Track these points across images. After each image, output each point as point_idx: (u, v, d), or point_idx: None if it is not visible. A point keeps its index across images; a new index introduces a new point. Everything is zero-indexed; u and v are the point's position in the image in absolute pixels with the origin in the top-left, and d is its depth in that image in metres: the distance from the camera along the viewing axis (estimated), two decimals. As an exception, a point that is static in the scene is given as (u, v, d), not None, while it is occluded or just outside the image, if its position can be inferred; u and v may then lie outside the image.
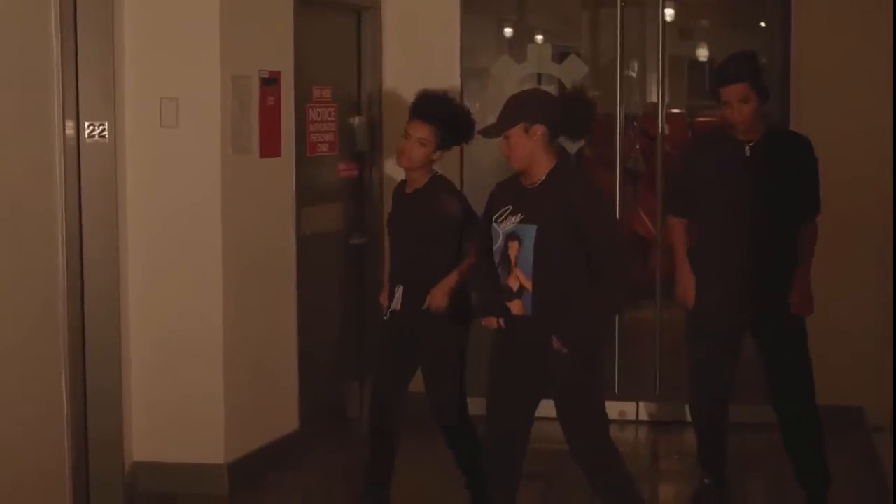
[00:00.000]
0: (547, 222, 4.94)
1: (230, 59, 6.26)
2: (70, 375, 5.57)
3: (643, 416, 7.63)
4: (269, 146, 6.61)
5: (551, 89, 7.88)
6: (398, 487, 5.98)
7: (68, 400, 5.54)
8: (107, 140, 6.00)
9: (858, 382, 7.23)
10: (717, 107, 5.77)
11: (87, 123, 5.96)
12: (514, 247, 5.00)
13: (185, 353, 6.29)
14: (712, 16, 10.77)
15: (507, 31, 9.02)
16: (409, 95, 5.85)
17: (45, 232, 5.44)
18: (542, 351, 4.98)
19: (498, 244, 5.06)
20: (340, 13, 7.57)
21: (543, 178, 5.01)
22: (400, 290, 5.71)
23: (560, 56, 7.99)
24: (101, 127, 5.99)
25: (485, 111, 8.04)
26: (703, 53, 11.40)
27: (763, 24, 9.06)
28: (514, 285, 5.01)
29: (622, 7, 7.63)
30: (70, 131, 5.83)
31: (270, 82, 6.60)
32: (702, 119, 10.35)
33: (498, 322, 5.11)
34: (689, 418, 6.13)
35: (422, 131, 5.64)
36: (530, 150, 4.98)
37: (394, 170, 5.87)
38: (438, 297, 5.57)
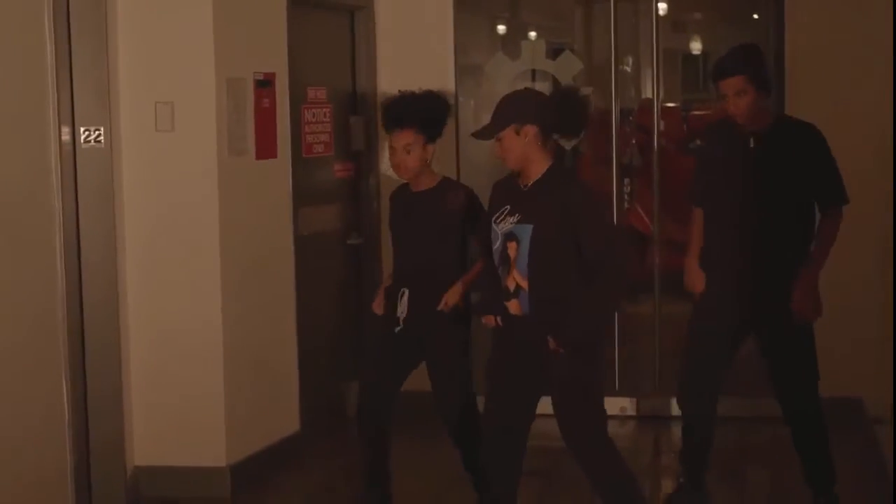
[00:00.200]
0: (542, 222, 4.95)
1: (224, 62, 6.26)
2: (70, 380, 5.57)
3: (643, 411, 7.64)
4: (265, 148, 6.61)
5: (546, 86, 7.89)
6: (402, 487, 5.99)
7: (69, 405, 5.54)
8: (102, 145, 6.01)
9: (858, 374, 7.23)
10: (714, 100, 5.76)
11: (82, 129, 5.97)
12: (512, 247, 5.01)
13: (184, 356, 6.29)
14: (705, 9, 10.77)
15: (501, 29, 9.02)
16: (404, 94, 5.85)
17: (43, 237, 5.43)
18: (539, 349, 4.99)
19: (497, 245, 5.06)
20: (334, 13, 7.57)
21: (539, 178, 5.01)
22: (405, 294, 5.71)
23: (554, 52, 7.99)
24: (97, 132, 5.99)
25: (479, 109, 8.06)
26: (696, 47, 11.40)
27: (756, 17, 9.06)
28: (512, 285, 5.02)
29: (615, 2, 7.62)
30: (66, 137, 5.83)
31: (265, 84, 6.60)
32: (696, 112, 10.35)
33: (496, 321, 5.12)
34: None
35: (404, 139, 5.63)
36: (523, 151, 4.99)
37: (390, 169, 5.87)
38: (454, 299, 5.56)
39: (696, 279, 5.79)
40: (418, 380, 5.77)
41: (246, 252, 6.47)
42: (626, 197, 8.95)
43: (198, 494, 6.30)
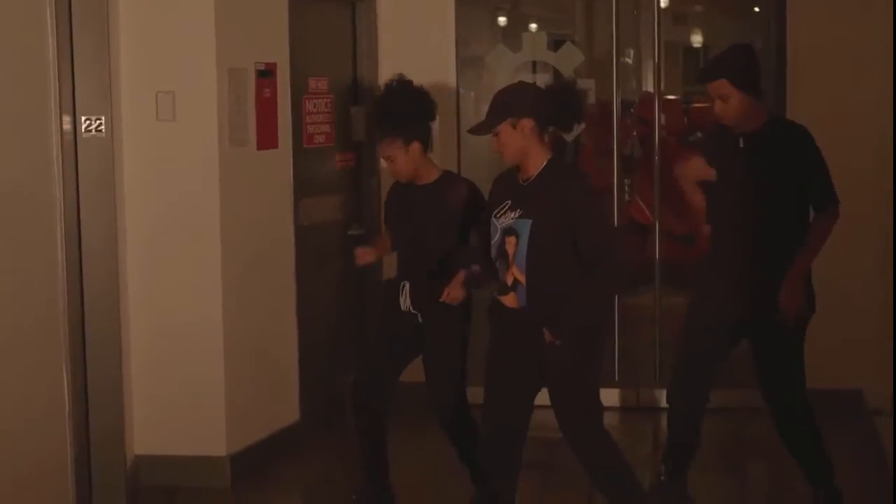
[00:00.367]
0: (542, 217, 4.95)
1: (226, 52, 6.26)
2: (71, 370, 5.57)
3: (643, 402, 7.65)
4: (266, 138, 6.61)
5: (547, 77, 7.89)
6: (401, 477, 6.00)
7: (70, 395, 5.54)
8: (104, 134, 6.00)
9: (858, 366, 7.24)
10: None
11: (83, 118, 5.96)
12: (511, 242, 5.01)
13: (185, 346, 6.30)
14: (706, 2, 10.74)
15: (502, 20, 9.01)
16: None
17: (44, 227, 5.43)
18: (536, 343, 4.99)
19: (495, 239, 5.06)
20: (335, 4, 7.57)
21: (539, 172, 5.01)
22: (406, 286, 5.71)
23: (555, 44, 7.99)
24: (98, 121, 5.99)
25: (480, 100, 8.05)
26: (697, 40, 11.39)
27: (757, 10, 9.05)
28: (510, 280, 5.03)
29: (617, -7, 7.63)
30: (67, 126, 5.83)
31: (266, 74, 6.59)
32: (697, 105, 10.34)
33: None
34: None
35: (388, 149, 5.65)
36: (521, 146, 4.99)
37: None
38: (456, 292, 5.55)
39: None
40: (418, 371, 5.78)
41: (247, 242, 6.47)
42: (626, 189, 8.94)
43: (198, 484, 6.31)
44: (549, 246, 4.94)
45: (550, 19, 9.22)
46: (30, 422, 5.34)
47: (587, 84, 7.81)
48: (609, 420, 5.14)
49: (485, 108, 5.15)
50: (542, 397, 5.13)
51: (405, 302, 5.70)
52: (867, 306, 7.25)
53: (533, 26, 8.82)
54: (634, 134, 9.35)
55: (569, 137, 7.59)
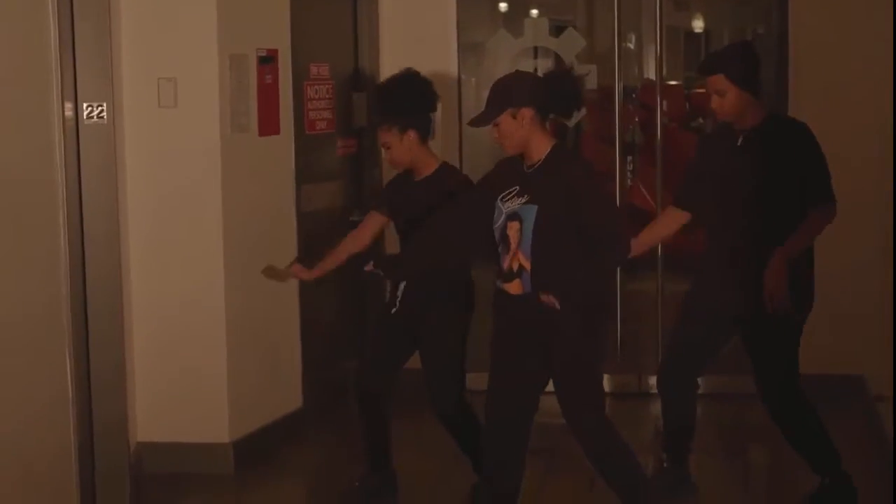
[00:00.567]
0: (547, 203, 4.94)
1: (227, 38, 6.25)
2: (74, 356, 5.57)
3: (645, 388, 7.65)
4: (268, 124, 6.60)
5: (548, 62, 7.88)
6: (405, 466, 6.01)
7: (72, 381, 5.54)
8: (105, 121, 5.99)
9: (860, 351, 7.24)
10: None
11: (85, 105, 5.95)
12: (513, 227, 5.00)
13: (188, 333, 6.30)
14: (708, -13, 10.74)
15: (503, 6, 8.98)
16: (407, 71, 5.83)
17: (45, 214, 5.42)
18: (541, 330, 4.99)
19: (498, 223, 5.06)
20: (336, -11, 7.56)
21: (543, 158, 5.00)
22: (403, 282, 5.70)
23: (557, 30, 7.97)
24: (100, 108, 5.98)
25: (481, 87, 8.03)
26: (699, 25, 11.37)
27: (759, -5, 9.04)
28: (515, 266, 5.02)
29: (618, -21, 7.61)
30: (69, 113, 5.81)
31: (268, 60, 6.58)
32: (698, 91, 10.32)
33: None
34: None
35: (384, 136, 5.65)
36: (521, 136, 4.98)
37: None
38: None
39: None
40: (417, 358, 5.78)
41: (249, 229, 6.46)
42: (628, 174, 8.93)
43: (201, 470, 6.31)
44: (554, 232, 4.93)
45: (552, 5, 9.18)
46: (33, 409, 5.34)
47: (589, 69, 7.78)
48: (611, 406, 5.14)
49: (486, 95, 5.14)
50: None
51: (402, 293, 5.69)
52: (868, 293, 7.25)
53: (534, 12, 8.80)
54: (636, 119, 9.34)
55: (570, 123, 7.58)
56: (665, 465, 5.98)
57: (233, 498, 6.22)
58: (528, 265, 4.98)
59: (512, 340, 5.10)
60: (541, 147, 5.00)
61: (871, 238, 7.21)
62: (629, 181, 9.22)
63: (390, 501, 5.95)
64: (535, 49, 8.06)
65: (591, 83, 7.81)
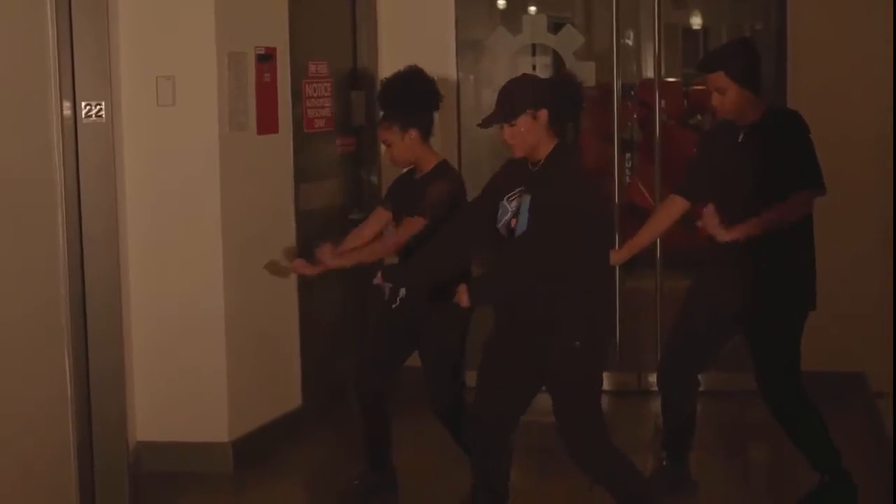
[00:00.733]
0: (540, 198, 4.94)
1: (226, 36, 6.24)
2: (73, 356, 5.56)
3: (644, 386, 7.65)
4: (266, 123, 6.59)
5: (546, 59, 7.88)
6: (405, 464, 6.00)
7: (71, 381, 5.53)
8: (104, 120, 5.98)
9: (860, 348, 7.24)
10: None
11: (83, 103, 5.94)
12: (513, 223, 5.01)
13: (186, 332, 6.29)
14: (705, -17, 10.76)
15: (501, 3, 8.98)
16: (405, 69, 5.82)
17: (44, 213, 5.42)
18: (542, 328, 4.97)
19: (502, 222, 5.05)
20: (334, -13, 7.55)
21: (546, 157, 5.00)
22: None
23: (555, 27, 7.97)
24: (98, 107, 5.97)
25: (479, 84, 8.03)
26: (696, 22, 11.39)
27: (756, -9, 9.05)
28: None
29: (616, -24, 7.60)
30: (67, 112, 5.80)
31: (266, 58, 6.57)
32: (697, 88, 10.33)
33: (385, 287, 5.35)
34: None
35: (385, 133, 5.65)
36: (537, 136, 4.97)
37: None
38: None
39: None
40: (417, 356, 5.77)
41: (247, 227, 6.45)
42: (627, 171, 8.94)
43: (200, 469, 6.31)
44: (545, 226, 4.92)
45: (550, 2, 9.20)
46: (32, 408, 5.33)
47: (587, 66, 7.77)
48: (611, 404, 5.12)
49: (485, 92, 5.14)
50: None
51: (401, 291, 5.68)
52: (869, 290, 7.25)
53: (532, 9, 8.81)
54: (634, 116, 9.35)
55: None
56: (665, 463, 5.97)
57: (232, 497, 6.21)
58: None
59: (511, 339, 5.09)
60: (546, 146, 5.01)
61: (871, 235, 7.21)
62: (627, 178, 9.23)
63: (390, 499, 5.95)
64: (534, 46, 8.05)
65: (590, 80, 7.79)
